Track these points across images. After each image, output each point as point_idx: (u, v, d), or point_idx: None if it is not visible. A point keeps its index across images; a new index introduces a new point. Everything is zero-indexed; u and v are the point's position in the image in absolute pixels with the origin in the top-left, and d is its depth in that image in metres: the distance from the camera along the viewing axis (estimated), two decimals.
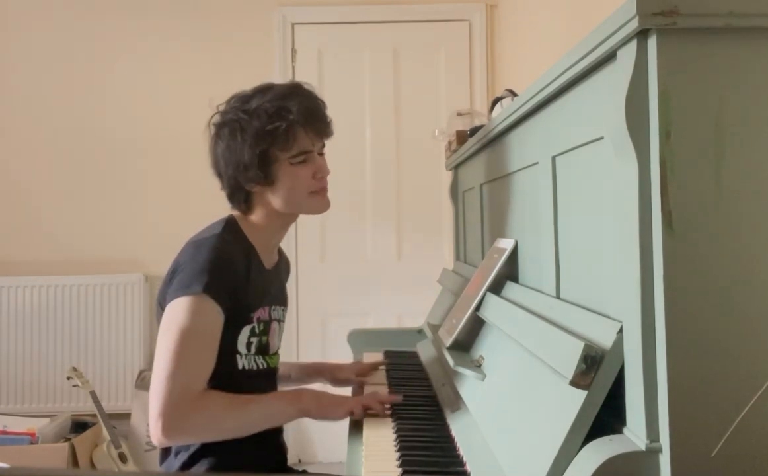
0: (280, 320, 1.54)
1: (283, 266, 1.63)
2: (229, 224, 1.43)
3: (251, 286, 1.39)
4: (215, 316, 1.31)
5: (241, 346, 1.40)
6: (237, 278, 1.36)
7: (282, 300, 1.58)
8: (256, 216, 1.46)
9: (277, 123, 1.37)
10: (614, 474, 0.73)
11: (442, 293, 2.09)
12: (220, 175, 1.45)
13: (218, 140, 1.42)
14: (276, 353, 1.53)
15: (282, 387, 1.72)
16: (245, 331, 1.40)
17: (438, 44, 3.43)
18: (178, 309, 1.29)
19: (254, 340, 1.42)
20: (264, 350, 1.45)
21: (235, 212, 1.47)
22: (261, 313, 1.44)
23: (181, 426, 1.26)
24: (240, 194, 1.44)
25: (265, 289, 1.46)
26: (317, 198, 1.45)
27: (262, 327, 1.44)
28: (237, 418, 1.32)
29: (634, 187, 0.75)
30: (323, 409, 1.37)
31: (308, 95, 1.43)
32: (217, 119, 1.45)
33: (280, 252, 1.62)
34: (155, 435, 1.25)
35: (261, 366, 1.44)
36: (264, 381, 1.46)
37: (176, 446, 1.40)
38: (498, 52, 3.39)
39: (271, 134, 1.37)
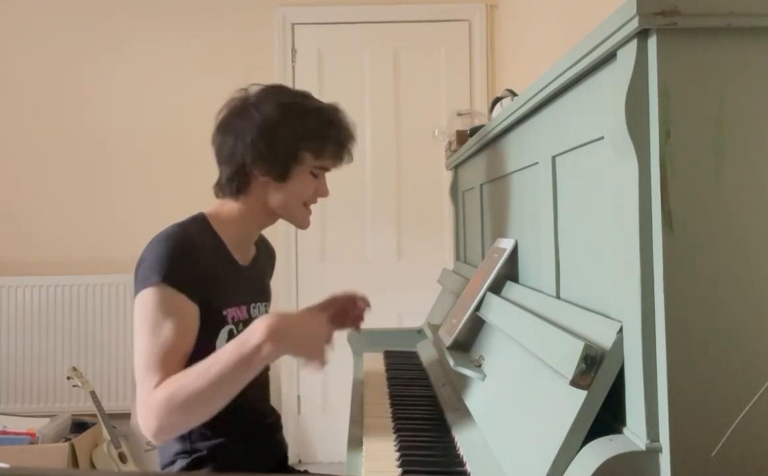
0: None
1: (264, 259, 1.59)
2: (196, 218, 1.41)
3: (220, 282, 1.35)
4: (181, 303, 1.26)
5: None
6: (202, 267, 1.31)
7: (263, 296, 1.53)
8: (243, 205, 1.41)
9: (329, 132, 1.40)
10: (614, 474, 0.73)
11: (442, 293, 2.09)
12: (233, 146, 1.37)
13: (253, 114, 1.37)
14: None
15: None
16: (222, 335, 1.35)
17: (438, 44, 3.43)
18: (141, 304, 1.27)
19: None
20: None
21: (207, 210, 1.44)
22: (236, 312, 1.39)
23: (169, 426, 1.18)
24: (243, 178, 1.39)
25: (239, 286, 1.41)
26: (305, 212, 1.46)
27: (241, 328, 1.38)
28: (208, 389, 1.15)
29: (634, 187, 0.75)
30: (295, 345, 1.20)
31: (350, 124, 1.46)
32: (248, 95, 1.41)
33: (261, 245, 1.57)
34: (150, 436, 1.21)
35: None
36: (251, 386, 1.33)
37: (174, 452, 1.39)
38: (498, 52, 3.39)
39: (319, 139, 1.38)
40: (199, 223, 1.40)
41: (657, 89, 0.73)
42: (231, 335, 1.37)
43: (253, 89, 1.43)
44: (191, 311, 1.28)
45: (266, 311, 1.53)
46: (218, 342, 1.35)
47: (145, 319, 1.25)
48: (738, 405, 0.72)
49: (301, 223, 1.47)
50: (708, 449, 0.71)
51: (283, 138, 1.36)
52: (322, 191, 1.46)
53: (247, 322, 1.41)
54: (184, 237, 1.32)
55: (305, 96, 1.45)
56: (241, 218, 1.43)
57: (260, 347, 1.15)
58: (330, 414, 3.34)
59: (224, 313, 1.37)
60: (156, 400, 1.18)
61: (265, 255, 1.61)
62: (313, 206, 1.48)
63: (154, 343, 1.24)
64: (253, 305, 1.46)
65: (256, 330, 1.16)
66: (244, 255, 1.47)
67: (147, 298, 1.26)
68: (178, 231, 1.33)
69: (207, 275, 1.32)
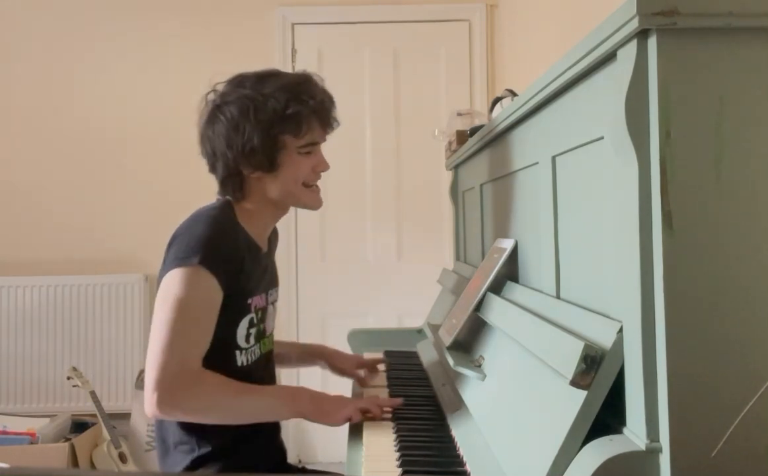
0: (275, 301, 1.53)
1: (273, 244, 1.58)
2: (225, 204, 1.40)
3: (247, 270, 1.36)
4: (212, 289, 1.28)
5: (241, 340, 1.37)
6: (235, 253, 1.33)
7: (276, 281, 1.56)
8: (250, 203, 1.42)
9: (296, 108, 1.35)
10: (614, 474, 0.73)
11: (442, 293, 2.09)
12: (214, 155, 1.39)
13: (219, 118, 1.36)
14: (270, 335, 1.51)
15: (280, 368, 1.72)
16: (244, 324, 1.37)
17: (438, 44, 3.43)
18: (173, 281, 1.27)
19: (253, 331, 1.40)
20: (260, 336, 1.44)
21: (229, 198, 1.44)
22: (258, 300, 1.41)
23: (176, 400, 1.23)
24: (236, 180, 1.39)
25: (260, 275, 1.43)
26: (311, 192, 1.44)
27: (260, 316, 1.42)
28: (233, 404, 1.30)
29: (634, 187, 0.75)
30: (320, 414, 1.35)
31: (322, 88, 1.43)
32: (215, 97, 1.40)
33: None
34: (149, 407, 1.23)
35: (257, 355, 1.43)
36: (261, 371, 1.45)
37: (174, 449, 1.39)
38: (498, 52, 3.39)
39: (288, 119, 1.35)
40: (228, 210, 1.39)
41: (657, 89, 0.73)
42: (251, 324, 1.40)
43: (219, 88, 1.41)
44: (219, 298, 1.30)
45: (277, 296, 1.54)
46: (239, 330, 1.37)
47: (179, 296, 1.26)
48: (738, 405, 0.72)
49: (311, 204, 1.46)
50: (708, 449, 0.71)
51: (252, 131, 1.34)
52: (321, 166, 1.44)
53: (264, 310, 1.44)
54: (222, 221, 1.34)
55: (266, 76, 1.40)
56: (256, 213, 1.43)
57: (301, 407, 1.34)
58: None
59: (249, 301, 1.38)
60: (197, 377, 1.25)
61: (274, 239, 1.59)
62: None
63: (186, 321, 1.25)
64: (269, 291, 1.48)
65: (305, 395, 1.36)
66: (262, 244, 1.47)
67: (182, 277, 1.26)
68: (217, 214, 1.35)
69: (238, 263, 1.33)
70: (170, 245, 1.33)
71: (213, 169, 1.42)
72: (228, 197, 1.42)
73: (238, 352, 1.37)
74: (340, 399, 1.40)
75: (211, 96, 1.41)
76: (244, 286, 1.36)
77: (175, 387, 1.23)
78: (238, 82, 1.40)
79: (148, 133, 3.41)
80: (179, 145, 3.31)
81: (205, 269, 1.27)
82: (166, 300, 1.27)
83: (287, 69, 3.35)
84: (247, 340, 1.39)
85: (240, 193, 1.40)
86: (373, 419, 1.36)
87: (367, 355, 2.01)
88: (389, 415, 1.38)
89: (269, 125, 1.34)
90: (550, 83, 1.01)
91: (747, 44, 0.73)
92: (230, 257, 1.32)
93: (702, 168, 0.73)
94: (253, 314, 1.39)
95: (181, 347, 1.24)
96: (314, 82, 1.42)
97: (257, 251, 1.42)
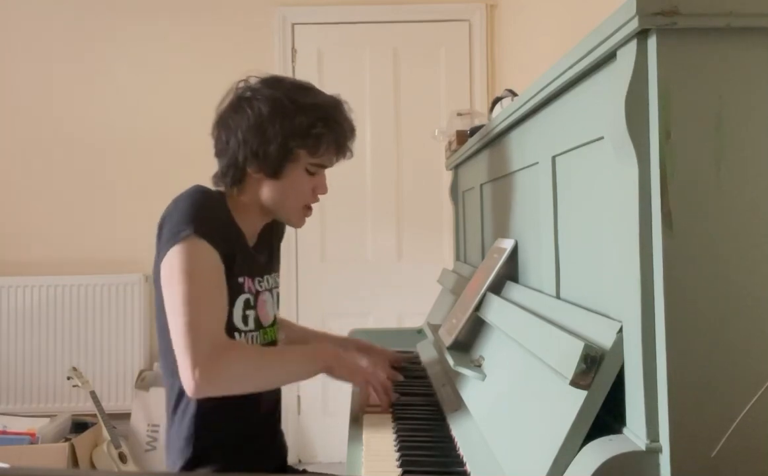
0: (272, 289, 1.50)
1: (266, 238, 1.54)
2: (214, 191, 1.41)
3: (235, 247, 1.36)
4: (213, 256, 1.28)
5: (238, 320, 1.37)
6: (223, 226, 1.34)
7: (271, 267, 1.53)
8: (243, 198, 1.42)
9: (321, 130, 1.36)
10: (614, 474, 0.73)
11: (442, 293, 2.08)
12: (226, 143, 1.39)
13: (246, 111, 1.36)
14: (272, 326, 1.49)
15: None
16: (239, 304, 1.37)
17: (438, 44, 3.43)
18: (174, 259, 1.26)
19: (250, 313, 1.40)
20: (259, 323, 1.44)
21: (222, 188, 1.44)
22: (249, 283, 1.41)
23: (217, 371, 1.22)
24: (237, 172, 1.39)
25: (248, 259, 1.42)
26: (302, 212, 1.45)
27: (254, 300, 1.42)
28: (268, 369, 1.33)
29: (634, 187, 0.75)
30: (344, 371, 1.38)
31: (349, 117, 1.44)
32: (246, 88, 1.40)
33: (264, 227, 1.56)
34: (192, 388, 1.20)
35: (258, 342, 1.42)
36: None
37: (176, 448, 1.39)
38: (498, 52, 3.39)
39: (311, 137, 1.36)
40: (217, 195, 1.40)
41: (657, 89, 0.73)
42: (248, 306, 1.39)
43: (253, 81, 1.42)
44: (220, 263, 1.30)
45: (275, 283, 1.53)
46: (235, 310, 1.37)
47: (185, 270, 1.25)
48: (738, 405, 0.72)
49: (296, 221, 1.47)
50: (708, 449, 0.71)
51: (273, 136, 1.34)
52: (321, 189, 1.45)
53: (256, 295, 1.43)
54: (209, 196, 1.35)
55: (302, 89, 1.42)
56: (243, 209, 1.43)
57: (327, 360, 1.37)
58: (330, 414, 3.34)
59: (240, 280, 1.38)
60: (228, 345, 1.27)
61: (268, 234, 1.55)
62: (313, 205, 1.48)
63: (200, 292, 1.25)
64: (258, 278, 1.46)
65: (328, 349, 1.42)
66: (250, 238, 1.46)
67: (182, 251, 1.26)
68: (204, 190, 1.36)
69: (226, 235, 1.34)
70: (160, 228, 1.33)
71: (219, 155, 1.42)
72: (221, 189, 1.43)
73: (237, 334, 1.37)
74: (356, 362, 1.47)
75: (242, 84, 1.42)
76: (233, 262, 1.35)
77: (213, 358, 1.22)
78: (274, 83, 1.41)
79: (148, 133, 3.41)
80: (179, 145, 3.32)
81: (200, 237, 1.27)
82: (173, 279, 1.26)
83: (287, 69, 3.36)
84: (245, 322, 1.38)
85: (237, 186, 1.41)
86: (375, 413, 1.37)
87: None
88: (389, 411, 1.39)
89: (290, 135, 1.35)
90: (550, 83, 1.01)
91: (747, 44, 0.73)
92: (219, 228, 1.32)
93: (702, 168, 0.73)
94: (248, 295, 1.39)
95: (204, 318, 1.23)
96: (344, 110, 1.43)
97: (243, 238, 1.42)
